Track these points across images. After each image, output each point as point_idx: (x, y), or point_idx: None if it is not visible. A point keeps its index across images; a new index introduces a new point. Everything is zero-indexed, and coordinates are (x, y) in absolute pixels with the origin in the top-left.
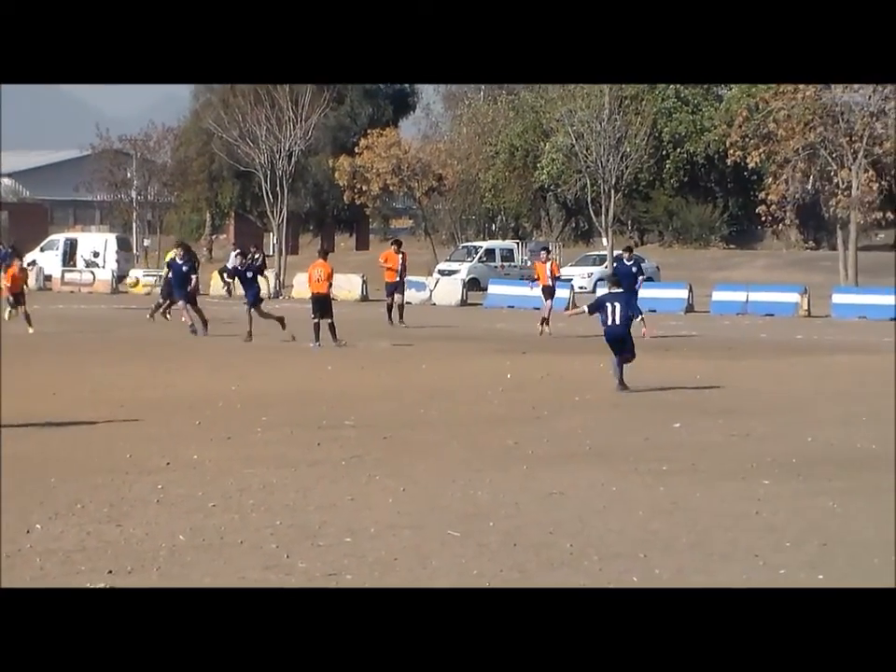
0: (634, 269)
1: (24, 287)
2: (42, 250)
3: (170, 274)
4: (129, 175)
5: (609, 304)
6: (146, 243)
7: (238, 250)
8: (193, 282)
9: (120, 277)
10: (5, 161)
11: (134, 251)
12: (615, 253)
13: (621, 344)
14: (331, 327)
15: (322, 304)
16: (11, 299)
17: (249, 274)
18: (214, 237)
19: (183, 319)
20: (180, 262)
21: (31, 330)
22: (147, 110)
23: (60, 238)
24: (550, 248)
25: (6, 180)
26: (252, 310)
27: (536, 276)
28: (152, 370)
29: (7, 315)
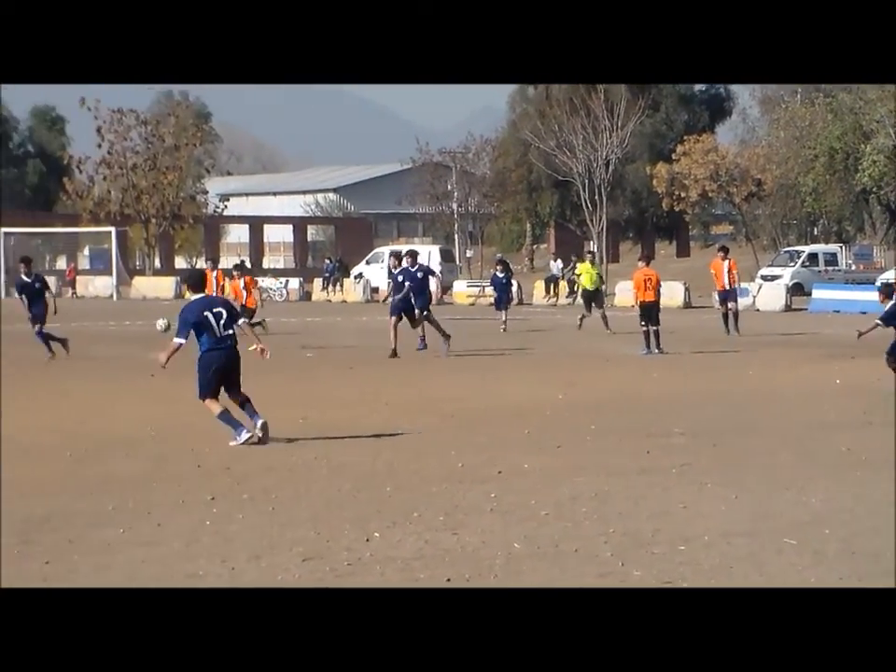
0: None
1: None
2: (368, 263)
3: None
4: (449, 187)
5: None
6: (468, 254)
7: (557, 259)
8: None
9: (444, 288)
10: (330, 177)
11: (457, 262)
12: None
13: None
14: (657, 334)
15: (650, 312)
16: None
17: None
18: (535, 247)
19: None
20: (500, 276)
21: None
22: (464, 122)
23: (385, 251)
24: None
25: (331, 195)
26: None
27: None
28: (482, 379)
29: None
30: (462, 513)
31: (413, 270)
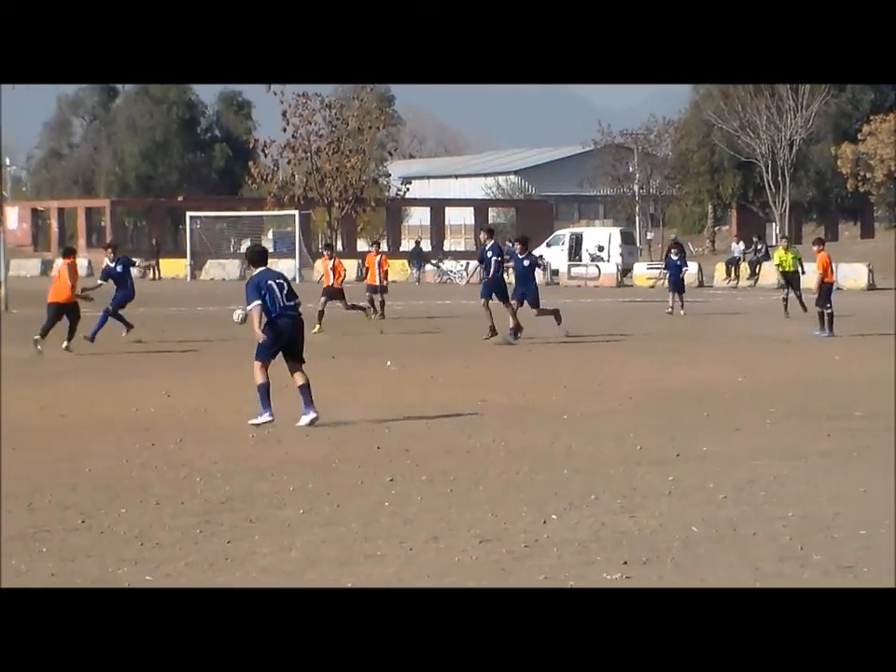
0: None
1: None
2: (548, 245)
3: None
4: (631, 168)
5: None
6: (648, 236)
7: (739, 241)
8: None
9: (625, 271)
10: (512, 159)
11: (637, 245)
12: None
13: None
14: (831, 317)
15: (829, 294)
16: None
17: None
18: (716, 229)
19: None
20: (674, 258)
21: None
22: (646, 103)
23: (565, 233)
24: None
25: (512, 177)
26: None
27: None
28: (660, 361)
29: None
30: (640, 496)
31: (521, 256)
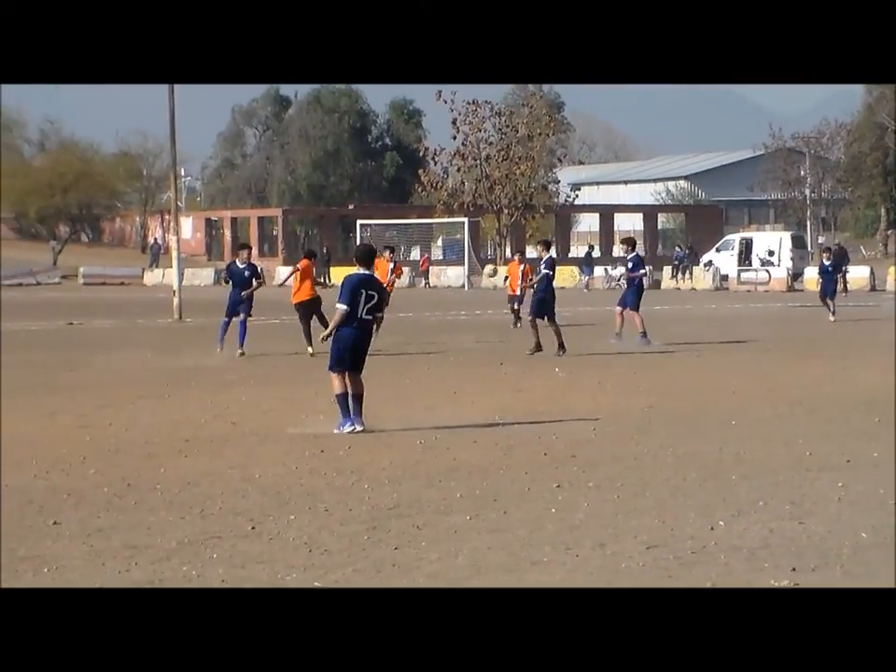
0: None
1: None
2: (718, 250)
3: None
4: (802, 172)
5: None
6: (820, 240)
7: None
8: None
9: (796, 275)
10: (681, 164)
11: (809, 249)
12: None
13: None
14: None
15: None
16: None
17: None
18: (889, 232)
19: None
20: (826, 263)
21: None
22: (818, 106)
23: (735, 238)
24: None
25: (682, 182)
26: None
27: None
28: (828, 366)
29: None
30: (809, 502)
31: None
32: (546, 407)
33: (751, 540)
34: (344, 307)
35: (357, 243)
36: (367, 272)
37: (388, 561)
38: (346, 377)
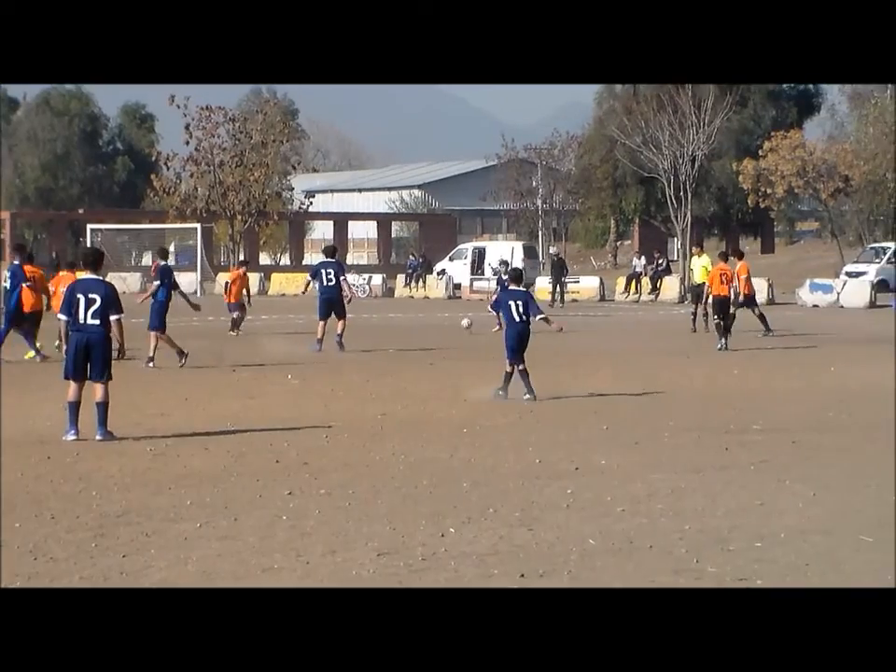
0: None
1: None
2: (451, 259)
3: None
4: (534, 183)
5: None
6: (551, 250)
7: (641, 256)
8: None
9: (527, 285)
10: (415, 174)
11: (540, 259)
12: None
13: None
14: (725, 329)
15: (722, 305)
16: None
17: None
18: (618, 243)
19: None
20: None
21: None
22: (550, 118)
23: (468, 247)
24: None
25: (416, 191)
26: None
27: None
28: (562, 373)
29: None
30: (538, 509)
31: None
32: (278, 414)
33: (481, 547)
34: (64, 317)
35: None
36: (93, 275)
37: (116, 569)
38: (81, 386)
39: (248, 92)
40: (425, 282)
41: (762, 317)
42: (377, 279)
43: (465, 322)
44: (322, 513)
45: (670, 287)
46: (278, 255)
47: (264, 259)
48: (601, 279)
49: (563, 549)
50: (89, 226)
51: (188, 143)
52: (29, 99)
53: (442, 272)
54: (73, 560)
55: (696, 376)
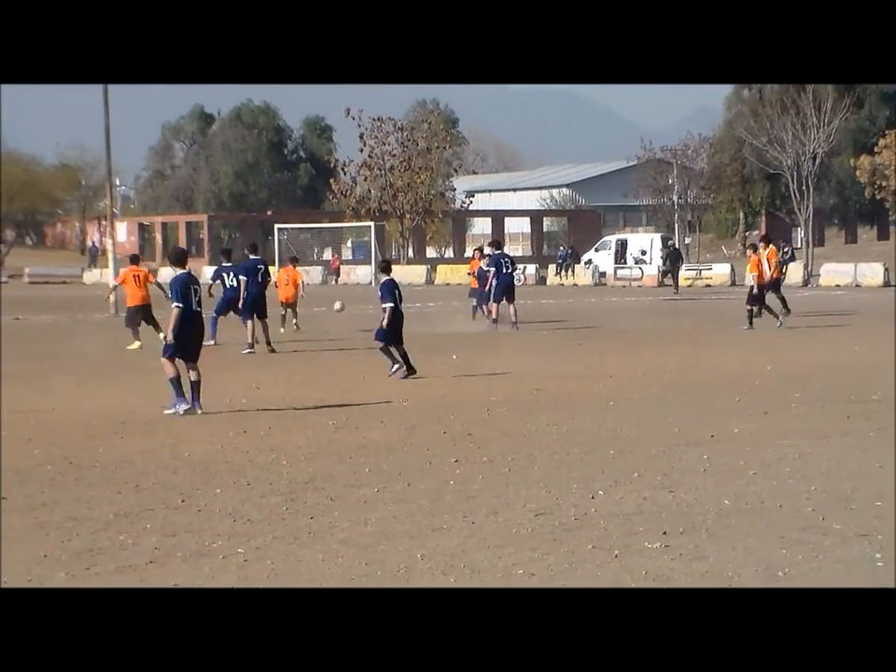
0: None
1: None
2: (597, 250)
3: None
4: (670, 181)
5: None
6: (686, 241)
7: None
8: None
9: (665, 272)
10: (564, 174)
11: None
12: None
13: None
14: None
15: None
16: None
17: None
18: (747, 234)
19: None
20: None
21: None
22: (684, 122)
23: (611, 239)
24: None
25: (564, 190)
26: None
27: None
28: (697, 351)
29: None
30: (678, 473)
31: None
32: (444, 391)
33: (627, 507)
34: (179, 305)
35: (276, 245)
36: (185, 270)
37: (304, 529)
38: (178, 364)
39: (414, 104)
40: (573, 271)
41: (783, 300)
42: (531, 269)
43: (337, 305)
44: (485, 479)
45: (794, 272)
46: (443, 249)
47: (430, 252)
48: (732, 266)
49: (701, 509)
50: (276, 225)
51: (361, 150)
52: (223, 114)
53: (589, 261)
54: (266, 522)
55: (820, 351)
